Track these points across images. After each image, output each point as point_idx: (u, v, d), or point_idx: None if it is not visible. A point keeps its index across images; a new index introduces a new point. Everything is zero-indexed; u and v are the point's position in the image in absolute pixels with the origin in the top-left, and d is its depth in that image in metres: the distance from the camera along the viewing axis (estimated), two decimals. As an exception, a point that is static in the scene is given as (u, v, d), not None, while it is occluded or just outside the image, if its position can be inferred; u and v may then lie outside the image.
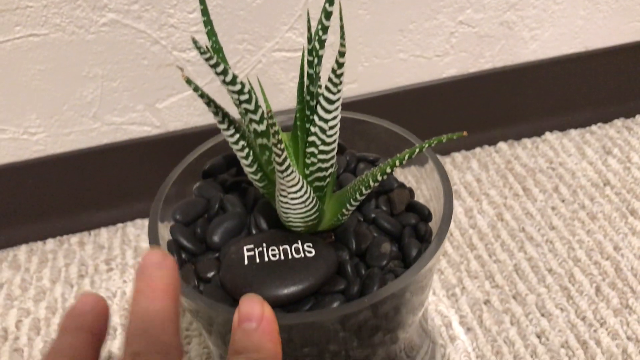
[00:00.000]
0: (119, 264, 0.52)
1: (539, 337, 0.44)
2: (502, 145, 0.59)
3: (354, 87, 0.53)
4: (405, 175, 0.40)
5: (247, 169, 0.32)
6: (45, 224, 0.55)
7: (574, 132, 0.60)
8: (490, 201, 0.54)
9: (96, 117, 0.50)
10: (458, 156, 0.59)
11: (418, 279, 0.31)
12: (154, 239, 0.33)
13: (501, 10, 0.51)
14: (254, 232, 0.35)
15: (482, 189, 0.55)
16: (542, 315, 0.45)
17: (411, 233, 0.34)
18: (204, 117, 0.52)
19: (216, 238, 0.34)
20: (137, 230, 0.55)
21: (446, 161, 0.58)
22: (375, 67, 0.52)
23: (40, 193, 0.53)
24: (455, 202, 0.54)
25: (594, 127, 0.61)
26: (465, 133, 0.30)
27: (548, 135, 0.60)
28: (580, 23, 0.54)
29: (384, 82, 0.54)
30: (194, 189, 0.38)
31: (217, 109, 0.29)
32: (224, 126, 0.30)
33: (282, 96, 0.52)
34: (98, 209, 0.55)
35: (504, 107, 0.58)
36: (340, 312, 0.29)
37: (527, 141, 0.60)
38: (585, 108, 0.60)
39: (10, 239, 0.55)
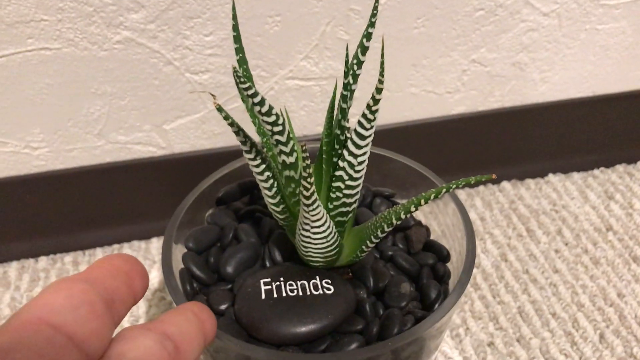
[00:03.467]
0: (113, 286, 0.51)
1: (543, 382, 0.43)
2: (505, 184, 0.59)
3: (363, 118, 0.53)
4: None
5: (269, 200, 0.31)
6: (39, 241, 0.53)
7: (576, 175, 0.60)
8: (494, 241, 0.54)
9: (101, 135, 0.49)
10: (462, 193, 0.59)
11: (440, 324, 0.30)
12: (167, 266, 0.32)
13: (514, 51, 0.52)
14: (267, 264, 0.34)
15: (486, 228, 0.55)
16: (547, 360, 0.45)
17: (429, 274, 0.34)
18: (212, 141, 0.51)
19: (230, 269, 0.33)
20: (133, 252, 0.54)
21: (449, 197, 0.58)
22: (386, 100, 0.52)
23: (37, 209, 0.51)
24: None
25: (596, 171, 0.61)
26: (494, 176, 0.30)
27: (551, 176, 0.60)
28: (590, 68, 0.55)
29: (393, 115, 0.53)
30: (207, 216, 0.37)
31: (245, 139, 0.29)
32: (251, 156, 0.29)
33: (292, 124, 0.51)
34: (95, 229, 0.53)
35: (509, 146, 0.58)
36: (362, 356, 0.28)
37: (530, 182, 0.60)
38: (589, 152, 0.60)
39: (1, 254, 0.53)
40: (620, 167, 0.61)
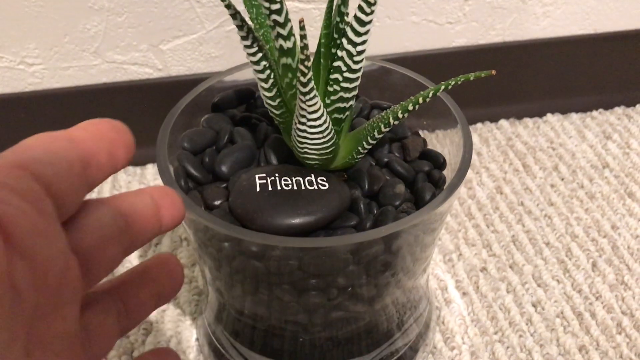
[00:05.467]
0: (108, 208, 0.51)
1: (534, 306, 0.44)
2: (503, 122, 0.59)
3: (363, 47, 0.52)
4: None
5: (265, 94, 0.31)
6: (33, 163, 0.53)
7: (574, 116, 0.60)
8: (490, 174, 0.54)
9: (97, 53, 0.48)
10: (459, 130, 0.58)
11: (433, 217, 0.30)
12: (163, 165, 0.32)
13: (517, -19, 0.51)
14: (263, 165, 0.34)
15: (482, 163, 0.55)
16: (539, 285, 0.45)
17: (424, 178, 0.34)
18: (208, 64, 0.51)
19: (225, 168, 0.33)
20: (128, 177, 0.54)
21: (447, 134, 0.58)
22: (387, 28, 0.51)
23: (31, 128, 0.51)
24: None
25: (594, 113, 0.61)
26: (493, 72, 0.30)
27: (549, 116, 0.60)
28: (593, 3, 0.54)
29: (393, 45, 0.53)
30: (202, 120, 0.37)
31: (242, 23, 0.28)
32: (248, 42, 0.29)
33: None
34: (90, 152, 0.53)
35: (509, 83, 0.58)
36: (356, 240, 0.28)
37: (528, 120, 0.59)
38: (588, 93, 0.60)
39: (-5, 175, 0.53)
40: (619, 110, 0.61)
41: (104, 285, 0.23)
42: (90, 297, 0.22)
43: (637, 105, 0.61)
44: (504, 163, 0.55)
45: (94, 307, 0.22)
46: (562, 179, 0.53)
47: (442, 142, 0.37)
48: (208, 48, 0.50)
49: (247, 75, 0.38)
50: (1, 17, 0.45)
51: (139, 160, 0.54)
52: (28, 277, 0.18)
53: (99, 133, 0.22)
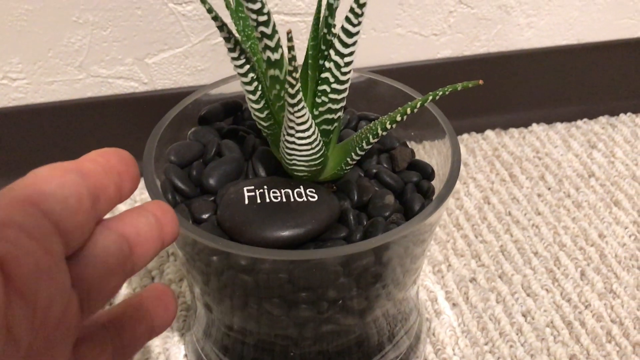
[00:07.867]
0: (93, 223, 0.50)
1: (524, 316, 0.44)
2: (489, 133, 0.59)
3: (349, 59, 0.52)
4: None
5: (252, 106, 0.31)
6: (15, 177, 0.52)
7: (559, 126, 0.61)
8: (477, 185, 0.54)
9: (82, 68, 0.48)
10: (445, 141, 0.59)
11: (422, 228, 0.30)
12: (150, 179, 0.31)
13: (501, -8, 0.52)
14: (251, 178, 0.34)
15: (469, 173, 0.55)
16: (528, 295, 0.45)
17: (413, 189, 0.34)
18: (194, 77, 0.50)
19: (212, 181, 0.33)
20: (114, 192, 0.53)
21: (434, 145, 0.58)
22: (372, 40, 0.52)
23: (15, 144, 0.50)
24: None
25: (579, 122, 0.61)
26: (481, 82, 0.30)
27: (535, 126, 0.60)
28: (576, 14, 0.55)
29: (379, 57, 0.53)
30: (189, 133, 0.36)
31: (229, 35, 0.28)
32: (235, 55, 0.29)
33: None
34: (75, 167, 0.52)
35: (494, 94, 0.58)
36: (346, 252, 0.28)
37: (514, 131, 0.60)
38: (572, 103, 0.61)
39: (-22, 192, 0.52)
40: (603, 119, 0.62)
41: (102, 318, 0.23)
42: (87, 331, 0.22)
43: (621, 115, 0.62)
44: (491, 173, 0.55)
45: (90, 342, 0.22)
46: (549, 189, 0.54)
47: (429, 152, 0.37)
48: (194, 61, 0.49)
49: (234, 88, 0.38)
50: (-16, 32, 0.45)
51: (124, 175, 0.54)
52: (26, 319, 0.18)
53: (108, 165, 0.22)
